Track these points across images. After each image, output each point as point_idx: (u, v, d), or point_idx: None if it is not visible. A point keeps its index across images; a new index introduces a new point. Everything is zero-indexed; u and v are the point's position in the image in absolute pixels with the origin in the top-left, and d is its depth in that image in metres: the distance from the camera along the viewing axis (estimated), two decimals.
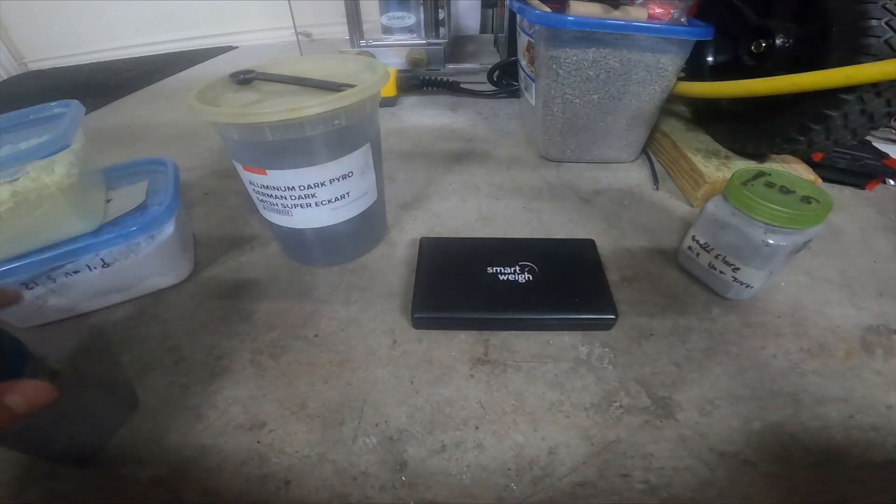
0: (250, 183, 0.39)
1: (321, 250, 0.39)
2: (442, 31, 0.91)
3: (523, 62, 0.56)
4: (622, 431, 0.26)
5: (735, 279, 0.33)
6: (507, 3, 0.69)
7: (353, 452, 0.26)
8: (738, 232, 0.31)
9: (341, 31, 1.01)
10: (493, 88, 0.79)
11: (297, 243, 0.39)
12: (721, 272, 0.34)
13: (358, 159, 0.34)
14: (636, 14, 0.45)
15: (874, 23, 0.38)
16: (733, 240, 0.32)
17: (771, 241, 0.30)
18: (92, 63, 1.32)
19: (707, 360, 0.30)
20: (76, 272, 0.33)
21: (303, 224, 0.36)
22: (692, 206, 0.47)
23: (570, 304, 0.32)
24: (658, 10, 0.46)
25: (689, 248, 0.36)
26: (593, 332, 0.32)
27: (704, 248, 0.34)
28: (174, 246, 0.37)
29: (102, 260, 0.33)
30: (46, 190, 0.30)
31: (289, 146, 0.31)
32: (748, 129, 0.47)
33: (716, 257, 0.34)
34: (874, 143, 0.54)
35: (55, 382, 0.20)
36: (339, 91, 0.31)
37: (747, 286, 0.33)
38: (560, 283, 0.34)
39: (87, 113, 0.38)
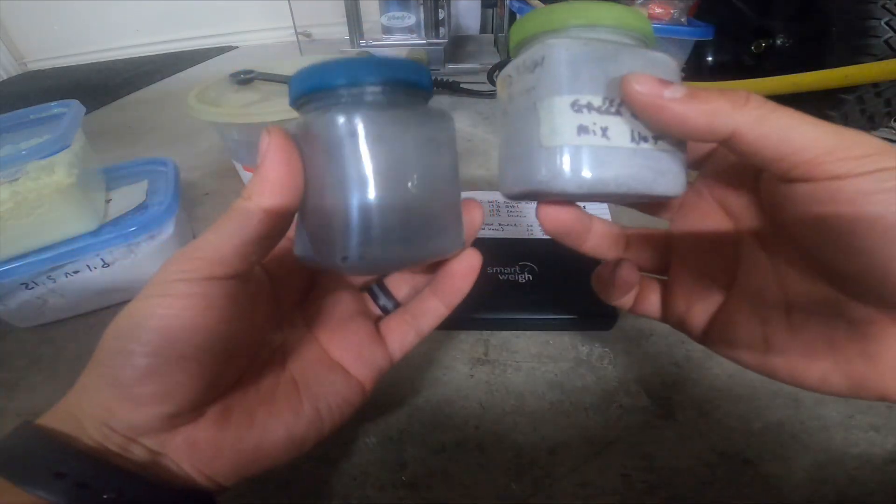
0: None
1: None
2: (442, 31, 0.91)
3: None
4: (622, 431, 0.26)
5: None
6: (507, 3, 0.69)
7: (353, 452, 0.26)
8: None
9: (341, 31, 1.01)
10: (493, 88, 0.79)
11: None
12: None
13: None
14: None
15: (874, 23, 0.38)
16: None
17: None
18: (92, 63, 1.32)
19: (707, 360, 0.30)
20: (76, 272, 0.33)
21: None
22: None
23: (571, 304, 0.32)
24: (658, 10, 0.46)
25: None
26: (593, 332, 0.32)
27: None
28: (174, 246, 0.37)
29: (102, 260, 0.33)
30: (46, 190, 0.30)
31: None
32: None
33: None
34: None
35: None
36: None
37: None
38: (560, 283, 0.34)
39: (87, 113, 0.38)
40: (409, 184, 0.16)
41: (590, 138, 0.15)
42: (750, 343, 0.18)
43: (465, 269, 0.21)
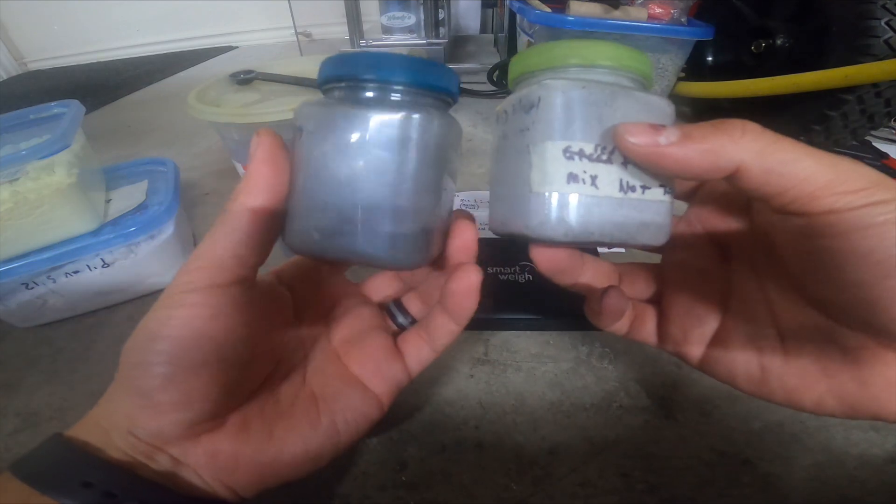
0: None
1: None
2: (442, 31, 0.91)
3: None
4: (622, 431, 0.26)
5: None
6: (507, 3, 0.69)
7: (354, 452, 0.26)
8: None
9: (341, 31, 1.01)
10: (493, 88, 0.79)
11: None
12: None
13: None
14: (636, 14, 0.45)
15: (874, 23, 0.38)
16: None
17: None
18: (92, 63, 1.32)
19: None
20: (76, 272, 0.33)
21: None
22: None
23: (571, 304, 0.32)
24: (658, 10, 0.46)
25: None
26: (593, 332, 0.32)
27: None
28: (174, 246, 0.37)
29: (102, 260, 0.33)
30: (46, 190, 0.30)
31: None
32: None
33: None
34: (874, 143, 0.54)
35: None
36: None
37: None
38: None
39: (87, 113, 0.38)
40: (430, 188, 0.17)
41: (579, 187, 0.15)
42: (747, 370, 0.18)
43: (463, 289, 0.21)
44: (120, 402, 0.16)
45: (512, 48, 0.80)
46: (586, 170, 0.15)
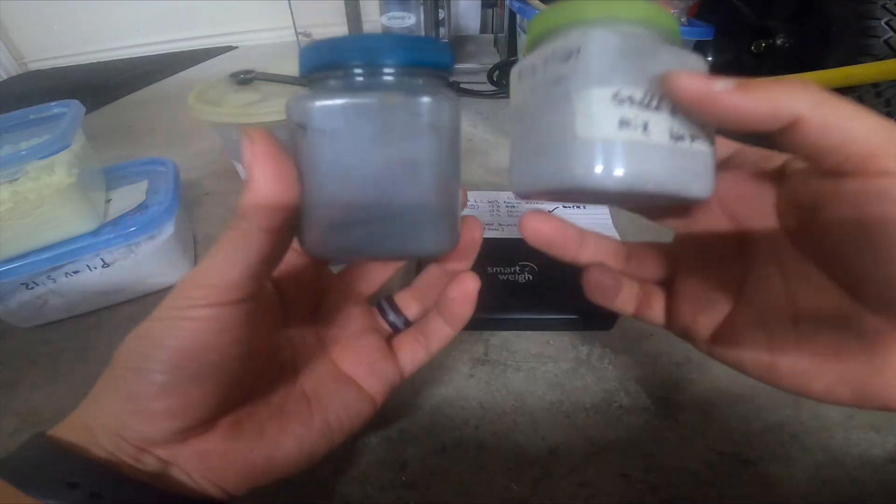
0: None
1: None
2: (442, 31, 0.91)
3: None
4: (622, 431, 0.26)
5: None
6: (507, 3, 0.69)
7: (354, 452, 0.26)
8: None
9: (341, 31, 1.01)
10: (493, 88, 0.79)
11: None
12: None
13: None
14: None
15: (874, 23, 0.38)
16: None
17: None
18: (92, 63, 1.32)
19: (707, 360, 0.30)
20: (76, 272, 0.33)
21: None
22: None
23: (571, 304, 0.32)
24: None
25: None
26: (593, 332, 0.32)
27: None
28: (174, 246, 0.37)
29: (102, 260, 0.33)
30: (46, 190, 0.30)
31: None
32: None
33: None
34: None
35: None
36: None
37: None
38: (560, 283, 0.34)
39: (87, 113, 0.38)
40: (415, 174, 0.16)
41: (631, 133, 0.14)
42: (755, 353, 0.18)
43: (461, 296, 0.20)
44: (109, 403, 0.16)
45: (512, 48, 0.80)
46: (637, 116, 0.14)
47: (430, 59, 0.16)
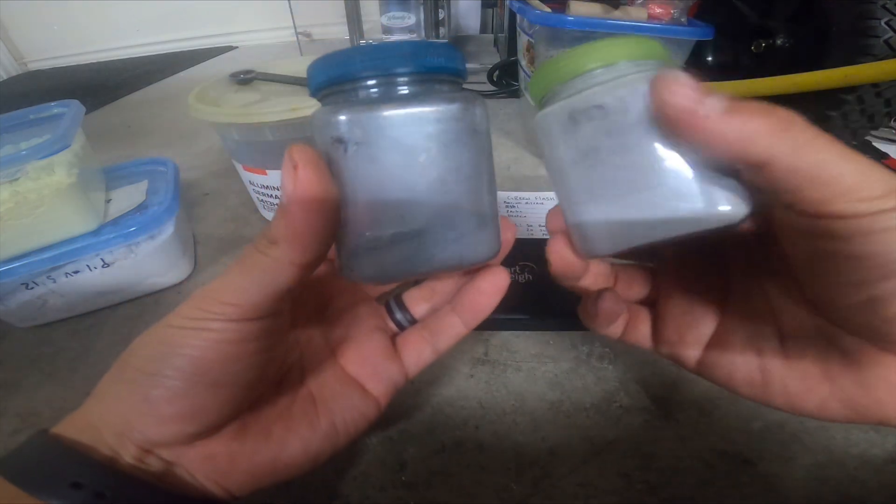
0: (250, 183, 0.39)
1: None
2: (442, 31, 0.91)
3: (523, 62, 0.56)
4: (622, 431, 0.26)
5: None
6: (507, 3, 0.69)
7: (354, 452, 0.26)
8: None
9: (341, 30, 1.01)
10: (493, 88, 0.79)
11: None
12: None
13: None
14: (636, 14, 0.45)
15: (874, 23, 0.38)
16: None
17: None
18: (92, 63, 1.32)
19: None
20: (76, 272, 0.33)
21: None
22: None
23: (571, 304, 0.32)
24: (658, 10, 0.46)
25: None
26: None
27: None
28: (174, 246, 0.37)
29: (102, 260, 0.33)
30: (46, 190, 0.30)
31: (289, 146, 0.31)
32: None
33: None
34: (874, 143, 0.54)
35: None
36: None
37: None
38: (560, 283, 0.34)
39: (87, 113, 0.38)
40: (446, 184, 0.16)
41: (708, 169, 0.14)
42: (746, 373, 0.18)
43: (492, 288, 0.20)
44: (116, 404, 0.16)
45: (512, 48, 0.80)
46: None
47: (460, 66, 0.16)
